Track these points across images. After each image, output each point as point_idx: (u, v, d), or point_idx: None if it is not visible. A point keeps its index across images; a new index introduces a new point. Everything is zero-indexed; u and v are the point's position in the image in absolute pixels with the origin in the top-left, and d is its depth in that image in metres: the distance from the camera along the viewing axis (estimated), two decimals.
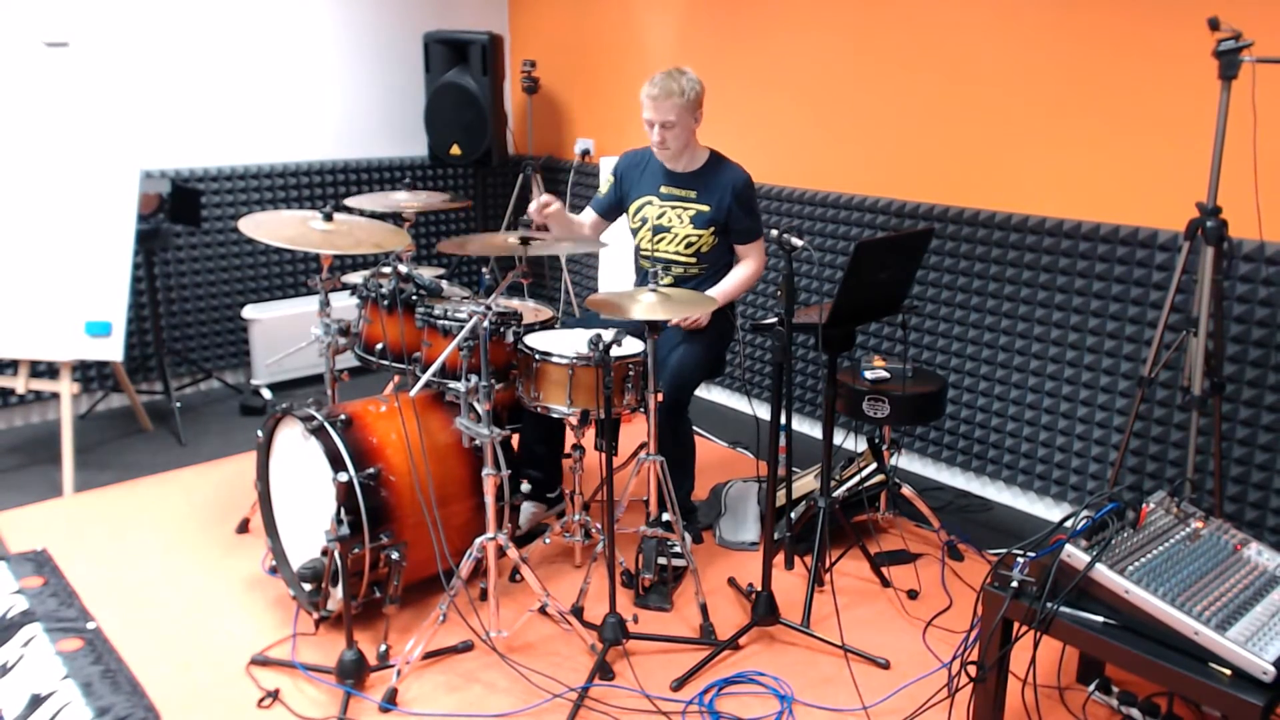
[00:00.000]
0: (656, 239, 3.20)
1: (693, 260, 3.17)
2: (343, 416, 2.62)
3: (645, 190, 3.22)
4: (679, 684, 2.47)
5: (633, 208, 3.25)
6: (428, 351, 2.72)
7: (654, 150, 3.13)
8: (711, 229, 3.13)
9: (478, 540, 2.55)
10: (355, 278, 3.11)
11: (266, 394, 4.47)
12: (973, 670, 2.02)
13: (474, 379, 2.45)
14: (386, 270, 2.87)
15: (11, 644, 2.56)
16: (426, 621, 2.59)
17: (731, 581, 2.96)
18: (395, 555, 2.54)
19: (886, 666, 2.56)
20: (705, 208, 3.12)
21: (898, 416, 2.98)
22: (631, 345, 2.78)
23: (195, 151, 4.42)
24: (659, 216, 3.18)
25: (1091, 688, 2.41)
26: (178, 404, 4.14)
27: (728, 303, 3.16)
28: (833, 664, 2.57)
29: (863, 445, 3.38)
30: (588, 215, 3.37)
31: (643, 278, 3.33)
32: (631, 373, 2.72)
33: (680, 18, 4.45)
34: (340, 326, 2.91)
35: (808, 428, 4.20)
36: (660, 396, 2.70)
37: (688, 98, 3.00)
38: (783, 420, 2.67)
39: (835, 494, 3.11)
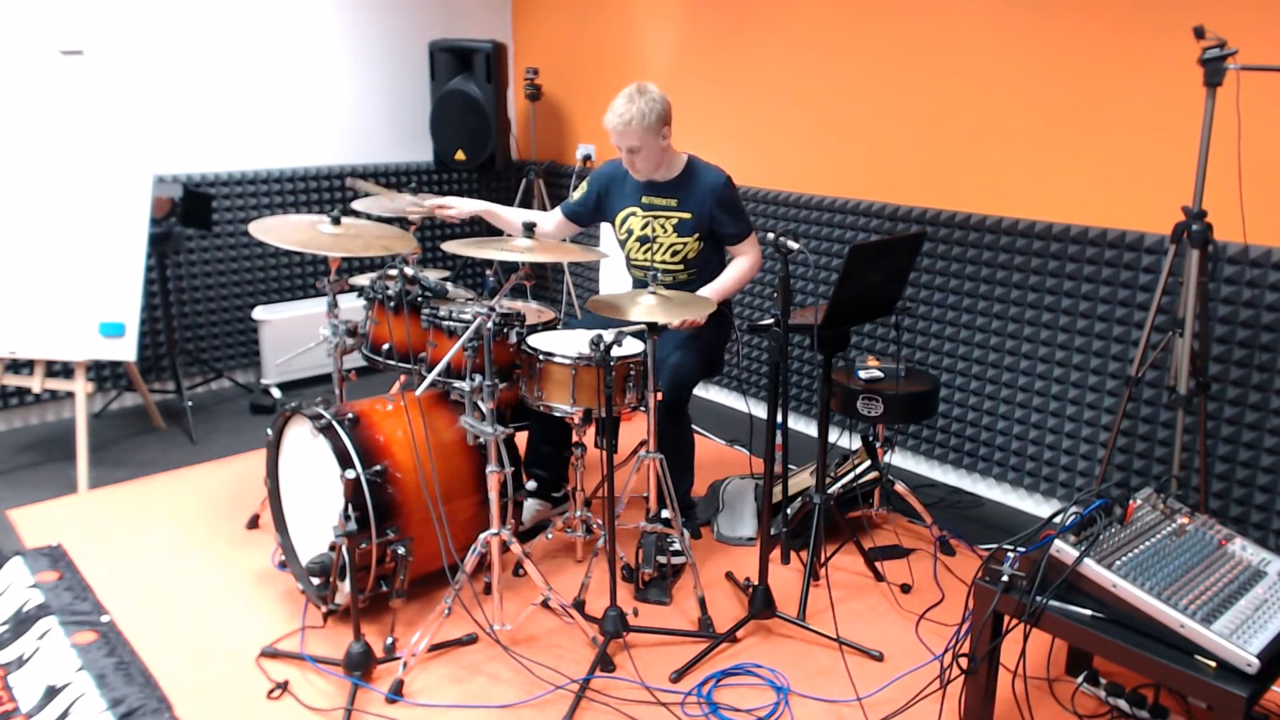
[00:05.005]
0: (644, 249, 3.18)
1: (681, 268, 3.16)
2: (350, 415, 2.64)
3: (628, 202, 3.19)
4: (678, 675, 2.50)
5: (618, 220, 3.24)
6: (433, 352, 2.75)
7: (628, 170, 3.14)
8: (696, 235, 3.11)
9: (482, 536, 2.57)
10: (362, 280, 3.15)
11: (276, 393, 4.51)
12: (964, 662, 2.04)
13: (478, 378, 2.49)
14: (393, 272, 2.89)
15: (28, 637, 2.60)
16: (432, 615, 2.63)
17: (729, 576, 2.99)
18: (401, 550, 2.56)
19: (880, 659, 2.59)
20: (687, 215, 3.10)
21: (891, 415, 3.02)
22: (632, 345, 2.80)
23: (207, 157, 4.46)
24: (644, 227, 3.16)
25: (1080, 679, 2.45)
26: (189, 403, 4.17)
27: (724, 301, 3.16)
28: (828, 656, 2.60)
29: (857, 443, 3.41)
30: (553, 216, 3.37)
31: (637, 286, 3.36)
32: (632, 372, 2.74)
33: (678, 25, 4.49)
34: (348, 327, 2.95)
35: (803, 426, 4.23)
36: (660, 395, 2.71)
37: (648, 121, 2.96)
38: (779, 419, 2.71)
39: (830, 490, 3.14)
